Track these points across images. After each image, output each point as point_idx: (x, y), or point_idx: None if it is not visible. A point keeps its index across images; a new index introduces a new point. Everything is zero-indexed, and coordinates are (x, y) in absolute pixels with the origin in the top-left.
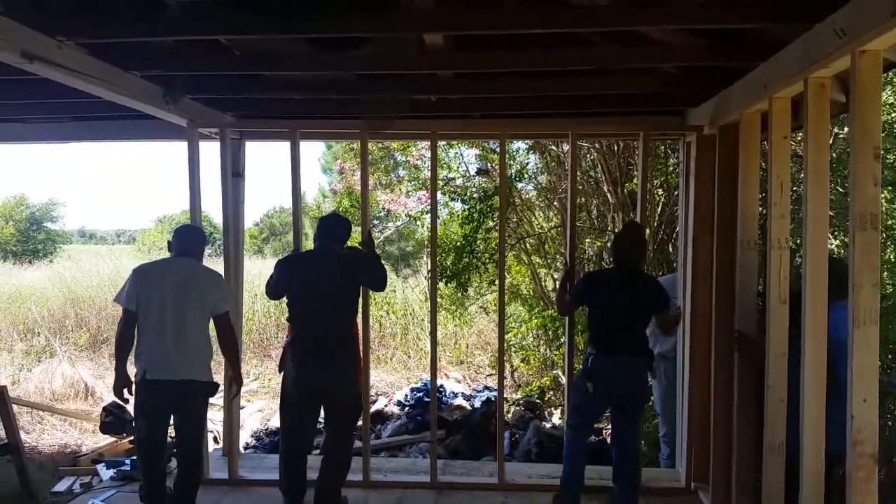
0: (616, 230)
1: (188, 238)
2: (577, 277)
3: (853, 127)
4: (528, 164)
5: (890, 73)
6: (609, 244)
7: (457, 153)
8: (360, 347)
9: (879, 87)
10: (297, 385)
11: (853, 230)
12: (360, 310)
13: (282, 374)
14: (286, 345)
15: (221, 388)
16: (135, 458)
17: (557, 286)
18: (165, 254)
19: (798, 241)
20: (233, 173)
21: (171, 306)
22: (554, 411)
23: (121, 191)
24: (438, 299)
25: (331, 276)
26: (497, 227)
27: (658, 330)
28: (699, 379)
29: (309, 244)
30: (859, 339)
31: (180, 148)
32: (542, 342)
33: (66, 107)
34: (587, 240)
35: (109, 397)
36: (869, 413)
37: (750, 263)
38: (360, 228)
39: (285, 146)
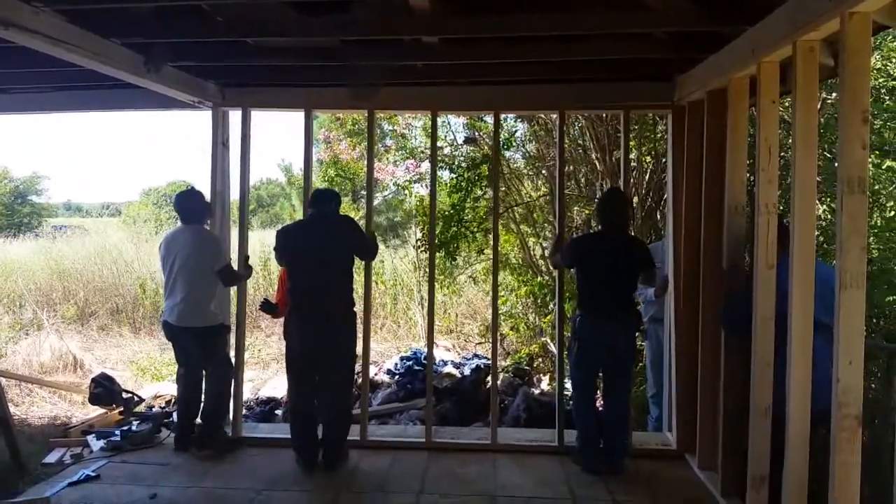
0: None
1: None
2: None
3: (842, 90)
4: (515, 132)
5: (878, 38)
6: (595, 209)
7: (444, 121)
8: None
9: (869, 49)
10: (300, 349)
11: (841, 194)
12: (361, 279)
13: (286, 339)
14: (287, 311)
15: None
16: (125, 428)
17: (548, 253)
18: (151, 226)
19: (784, 207)
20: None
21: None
22: (542, 378)
23: (106, 163)
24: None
25: (327, 241)
26: (485, 195)
27: (649, 293)
28: (687, 344)
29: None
30: (846, 301)
31: (165, 118)
32: (530, 311)
33: (47, 76)
34: (575, 208)
35: (98, 369)
36: (854, 375)
37: (738, 229)
38: (364, 201)
39: (272, 117)
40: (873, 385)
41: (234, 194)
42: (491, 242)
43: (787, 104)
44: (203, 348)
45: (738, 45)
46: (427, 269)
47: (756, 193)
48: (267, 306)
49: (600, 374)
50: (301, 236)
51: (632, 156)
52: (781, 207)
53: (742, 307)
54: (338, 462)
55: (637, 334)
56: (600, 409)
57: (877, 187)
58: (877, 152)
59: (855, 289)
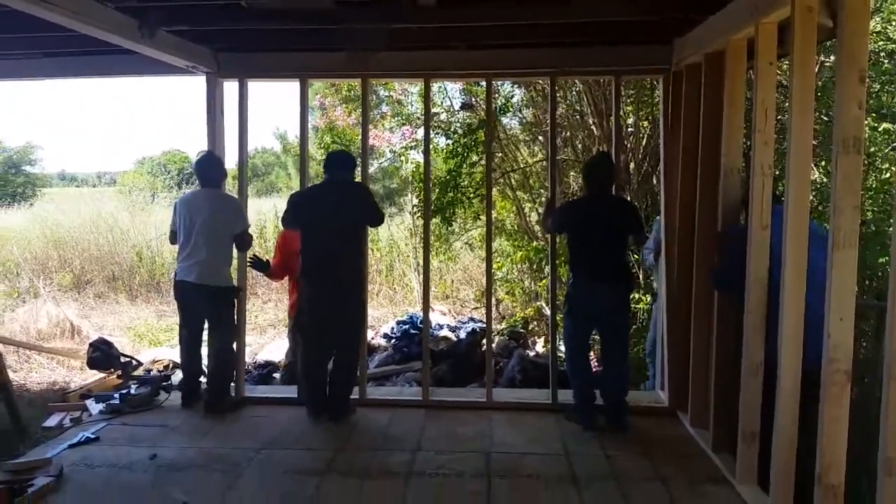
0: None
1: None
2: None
3: (840, 50)
4: (512, 97)
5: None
6: (581, 173)
7: (441, 87)
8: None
9: (868, 11)
10: (312, 312)
11: (836, 154)
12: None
13: (297, 301)
14: (300, 273)
15: None
16: (123, 391)
17: (541, 217)
18: (147, 195)
19: (781, 169)
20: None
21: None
22: (537, 340)
23: (101, 132)
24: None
25: (340, 208)
26: (481, 161)
27: (650, 259)
28: (681, 305)
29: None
30: (838, 260)
31: (161, 85)
32: (526, 276)
33: (38, 42)
34: (571, 173)
35: (95, 335)
36: (845, 332)
37: (733, 190)
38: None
39: (265, 85)
40: (864, 343)
41: (230, 163)
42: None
43: (785, 67)
44: (215, 308)
45: (736, 6)
46: (423, 236)
47: (752, 155)
48: (258, 264)
49: (595, 336)
50: (316, 202)
51: (629, 121)
52: (777, 172)
53: (736, 267)
54: (343, 416)
55: (632, 294)
56: (595, 369)
57: (872, 149)
58: (874, 115)
59: (848, 248)
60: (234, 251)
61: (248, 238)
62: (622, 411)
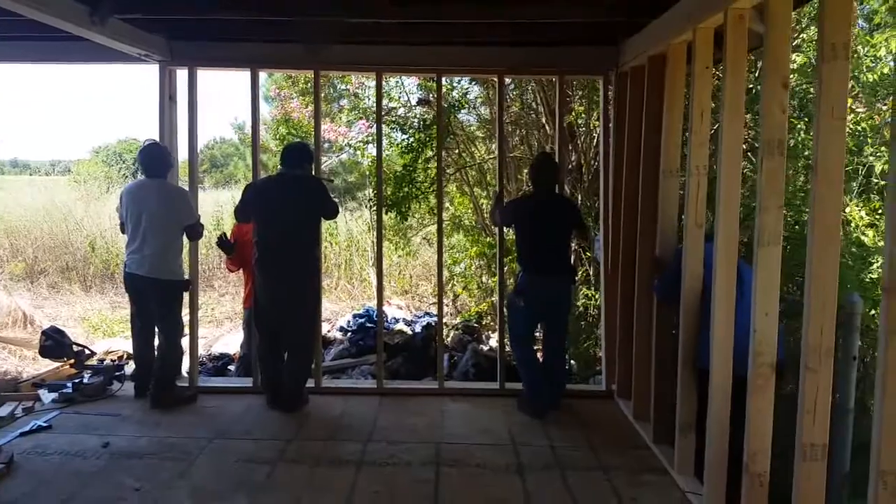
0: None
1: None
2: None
3: (765, 57)
4: (468, 94)
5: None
6: (527, 172)
7: (398, 82)
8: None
9: (790, 18)
10: (266, 297)
11: (762, 155)
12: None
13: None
14: (254, 263)
15: None
16: (77, 380)
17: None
18: (102, 184)
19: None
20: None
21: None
22: (491, 335)
23: (55, 119)
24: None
25: (294, 199)
26: (436, 157)
27: (599, 255)
28: (625, 300)
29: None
30: (763, 257)
31: (115, 73)
32: (483, 272)
33: None
34: (524, 170)
35: (48, 325)
36: (770, 326)
37: (672, 190)
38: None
39: (224, 76)
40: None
41: (184, 154)
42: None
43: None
44: (163, 302)
45: (676, 11)
46: (376, 228)
47: (688, 156)
48: (224, 243)
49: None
50: (269, 194)
51: (580, 120)
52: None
53: (675, 282)
54: (297, 406)
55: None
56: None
57: (807, 153)
58: (806, 120)
59: (772, 245)
60: (185, 242)
61: (199, 229)
62: (560, 391)
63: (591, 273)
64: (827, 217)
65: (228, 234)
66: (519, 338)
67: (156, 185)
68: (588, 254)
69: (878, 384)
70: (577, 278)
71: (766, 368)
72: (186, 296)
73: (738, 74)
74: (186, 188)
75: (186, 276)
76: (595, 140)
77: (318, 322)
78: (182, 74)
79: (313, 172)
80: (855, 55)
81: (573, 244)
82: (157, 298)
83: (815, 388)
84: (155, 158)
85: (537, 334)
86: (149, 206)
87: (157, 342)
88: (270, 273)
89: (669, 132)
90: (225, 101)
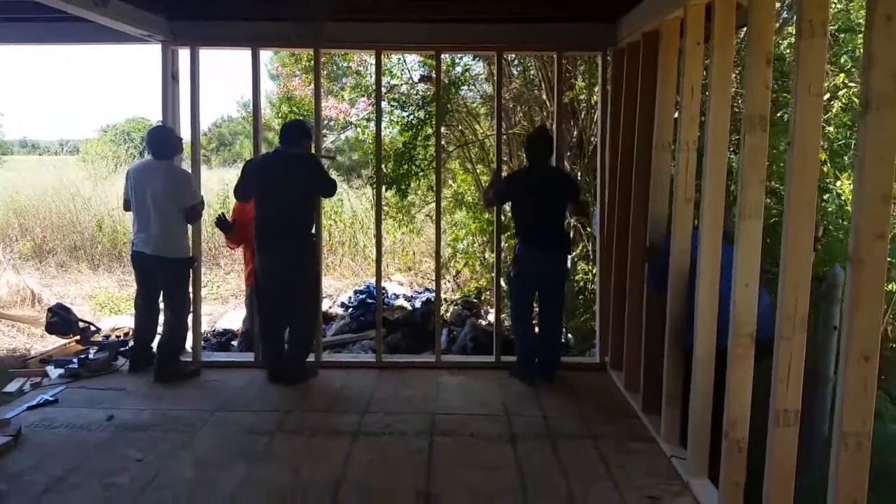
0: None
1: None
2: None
3: (749, 34)
4: (471, 70)
5: None
6: (523, 147)
7: (400, 59)
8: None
9: None
10: (265, 275)
11: (744, 131)
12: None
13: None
14: (255, 238)
15: None
16: (83, 356)
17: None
18: (110, 164)
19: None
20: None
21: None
22: (490, 310)
23: (63, 99)
24: (385, 208)
25: (292, 176)
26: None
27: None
28: (619, 274)
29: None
30: (744, 230)
31: (122, 50)
32: (487, 248)
33: None
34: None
35: (55, 302)
36: (749, 297)
37: (664, 164)
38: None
39: (231, 54)
40: None
41: (186, 133)
42: (445, 180)
43: None
44: (170, 279)
45: None
46: (385, 208)
47: (678, 131)
48: (223, 223)
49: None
50: (267, 171)
51: (581, 96)
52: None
53: (666, 271)
54: (299, 379)
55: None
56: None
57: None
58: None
59: (754, 219)
60: None
61: (198, 211)
62: (555, 365)
63: (589, 248)
64: (803, 191)
65: (231, 213)
66: (515, 307)
67: (162, 166)
68: (588, 230)
69: (843, 352)
70: (573, 252)
71: (745, 339)
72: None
73: (725, 49)
74: (189, 167)
75: (191, 254)
76: (596, 115)
77: (319, 298)
78: (184, 54)
79: (313, 150)
80: (851, 31)
81: (572, 220)
82: (164, 276)
83: (788, 356)
84: (162, 141)
85: (536, 309)
86: (154, 187)
87: (161, 319)
88: (269, 249)
89: (663, 107)
90: (233, 80)
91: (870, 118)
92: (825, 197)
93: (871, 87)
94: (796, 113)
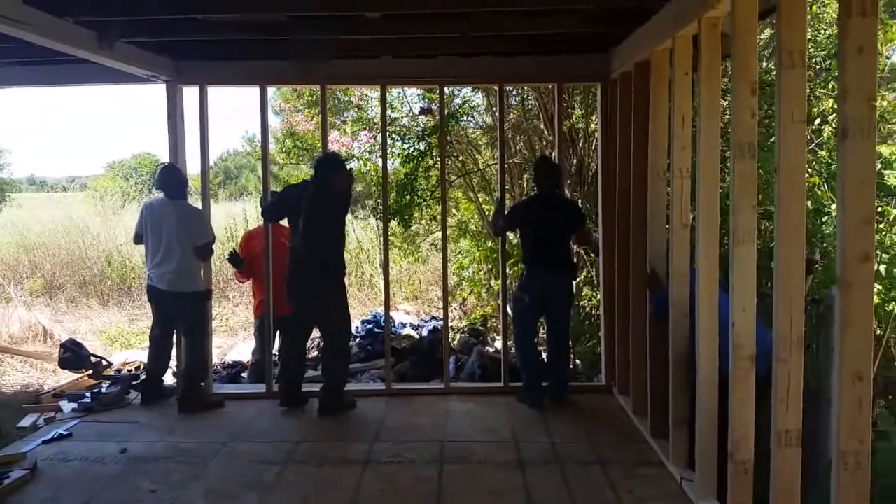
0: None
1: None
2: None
3: (733, 64)
4: (471, 102)
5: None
6: (530, 175)
7: (400, 93)
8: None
9: (755, 27)
10: (298, 306)
11: (733, 158)
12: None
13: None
14: (286, 275)
15: None
16: (95, 390)
17: (490, 216)
18: (118, 199)
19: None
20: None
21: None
22: (496, 337)
23: (70, 136)
24: (391, 237)
25: (327, 208)
26: (437, 165)
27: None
28: (622, 298)
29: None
30: (739, 255)
31: (129, 91)
32: (491, 276)
33: (4, 52)
34: (525, 175)
35: (66, 338)
36: (747, 321)
37: (660, 191)
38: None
39: (234, 90)
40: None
41: (193, 169)
42: (448, 209)
43: None
44: (189, 312)
45: (658, 19)
46: (391, 238)
47: (671, 159)
48: (235, 259)
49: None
50: (307, 199)
51: (580, 125)
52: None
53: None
54: (336, 409)
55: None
56: (542, 355)
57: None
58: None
59: (747, 244)
60: None
61: (209, 248)
62: (564, 388)
63: (594, 274)
64: (791, 214)
65: (238, 248)
66: (520, 331)
67: (177, 205)
68: (592, 256)
69: (836, 373)
70: (577, 274)
71: (745, 361)
72: None
73: (712, 79)
74: (199, 204)
75: (208, 286)
76: (594, 144)
77: (350, 322)
78: (188, 92)
79: None
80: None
81: (575, 248)
82: (183, 310)
83: (786, 377)
84: (174, 181)
85: (542, 335)
86: (169, 224)
87: (175, 352)
88: (303, 277)
89: (656, 136)
90: (237, 114)
91: (847, 145)
92: (823, 219)
93: (847, 116)
94: (780, 140)
